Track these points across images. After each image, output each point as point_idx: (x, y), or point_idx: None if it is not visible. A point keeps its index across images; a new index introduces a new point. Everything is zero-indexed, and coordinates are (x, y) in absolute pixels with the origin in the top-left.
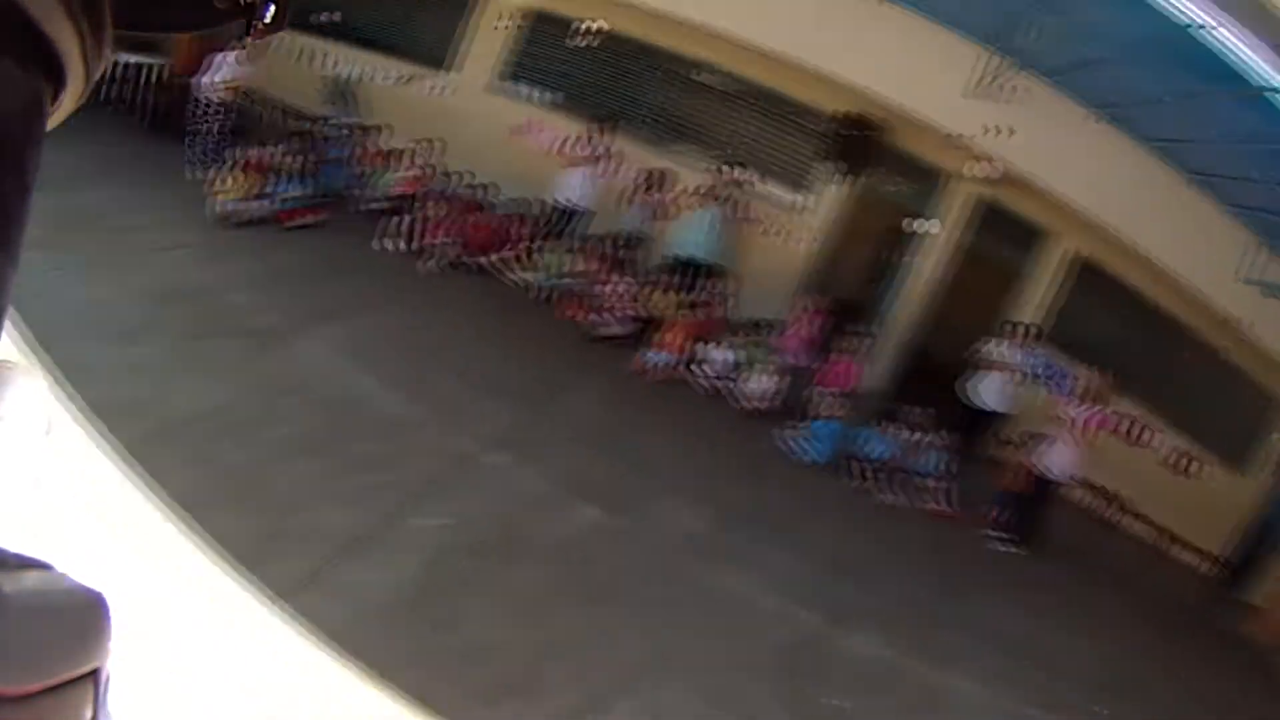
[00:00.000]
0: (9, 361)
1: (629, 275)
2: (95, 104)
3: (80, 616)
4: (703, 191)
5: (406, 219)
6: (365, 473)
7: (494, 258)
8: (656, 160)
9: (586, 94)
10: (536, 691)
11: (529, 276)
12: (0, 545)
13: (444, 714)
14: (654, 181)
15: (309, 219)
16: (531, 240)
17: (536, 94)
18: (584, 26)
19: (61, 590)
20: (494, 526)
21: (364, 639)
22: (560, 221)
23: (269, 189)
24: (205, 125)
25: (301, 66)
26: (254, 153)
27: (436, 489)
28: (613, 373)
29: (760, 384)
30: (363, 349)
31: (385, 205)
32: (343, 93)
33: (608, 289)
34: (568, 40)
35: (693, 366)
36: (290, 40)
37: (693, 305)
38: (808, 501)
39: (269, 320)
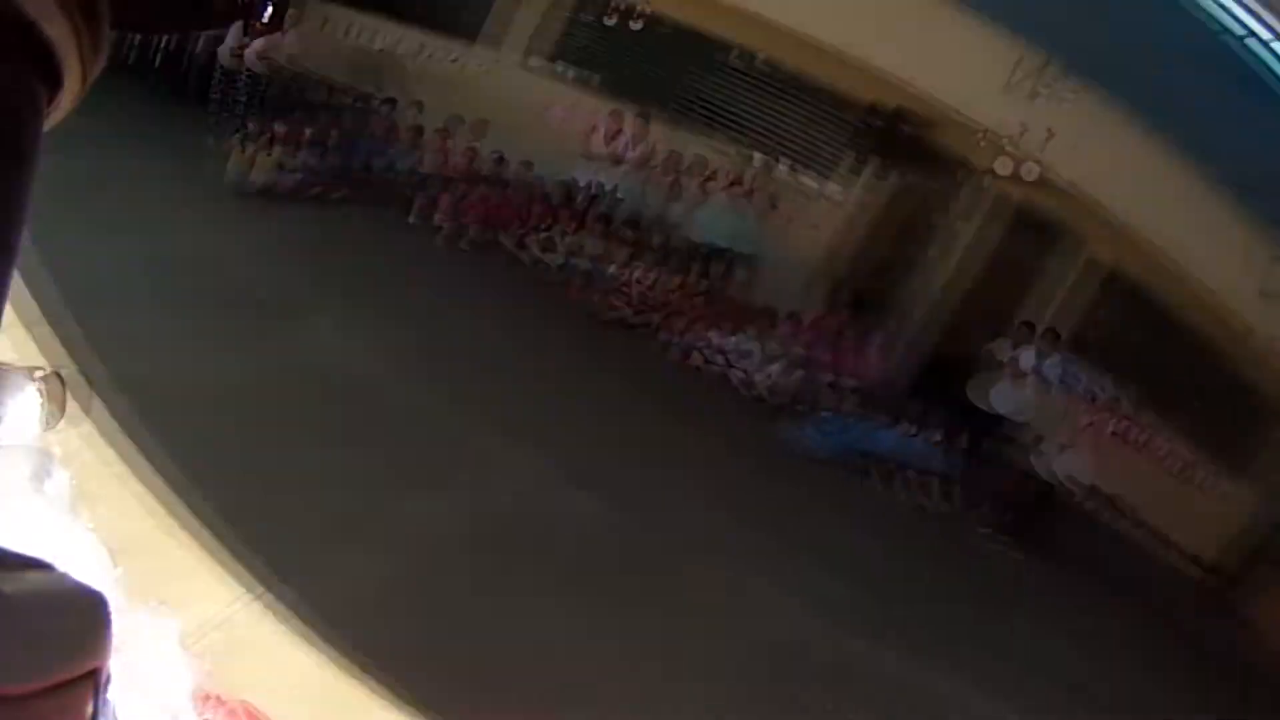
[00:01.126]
0: (7, 363)
1: (648, 259)
2: (117, 68)
3: (81, 616)
4: (732, 179)
5: (430, 196)
6: (367, 455)
7: (515, 237)
8: (689, 144)
9: (625, 76)
10: (536, 687)
11: (547, 257)
12: (0, 545)
13: (438, 711)
14: (684, 166)
15: (331, 193)
16: (554, 221)
17: (573, 73)
18: (628, 6)
19: (62, 590)
20: (498, 515)
21: (358, 629)
22: (583, 202)
23: (291, 160)
24: (230, 93)
25: (331, 36)
26: (278, 123)
27: (440, 475)
28: (626, 358)
29: (772, 374)
30: (375, 328)
31: (409, 181)
32: (372, 65)
33: (625, 272)
34: (608, 19)
35: (707, 354)
36: (320, 9)
37: (709, 292)
38: (813, 495)
39: (283, 294)
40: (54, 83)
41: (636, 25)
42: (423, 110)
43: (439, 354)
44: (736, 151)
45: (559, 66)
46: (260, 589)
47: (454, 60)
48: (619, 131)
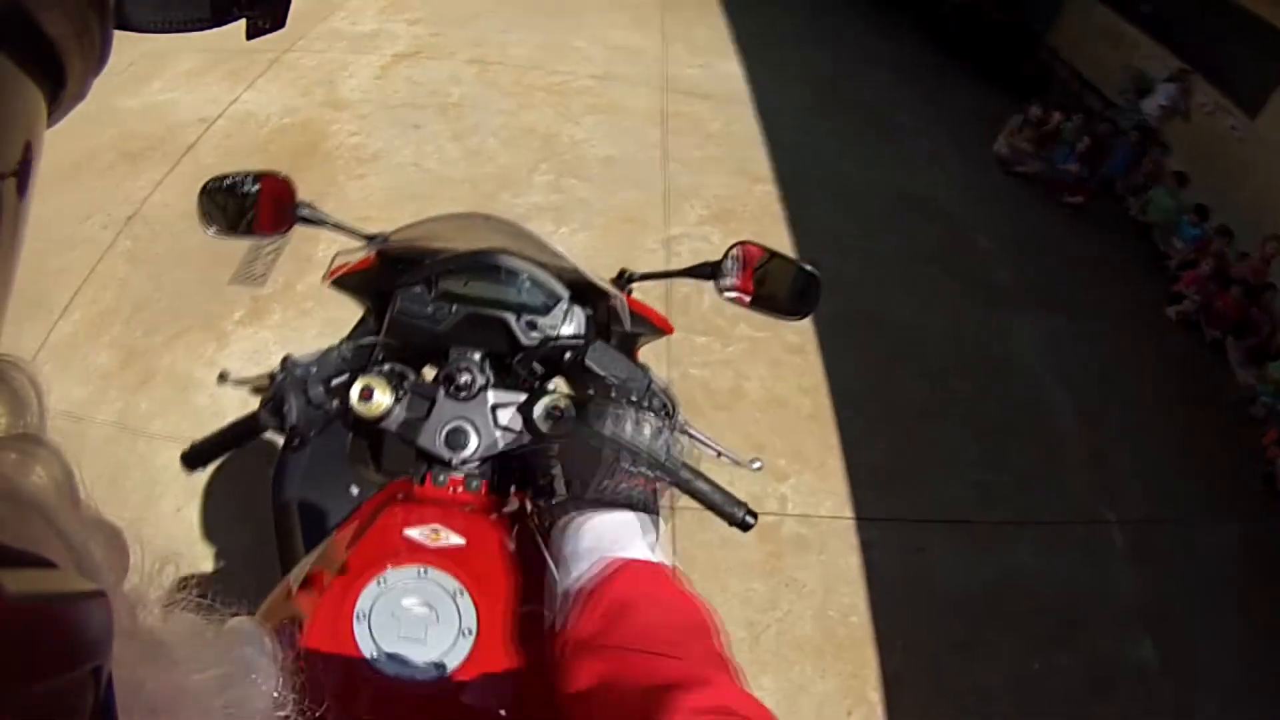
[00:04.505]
0: (9, 356)
1: None
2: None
3: (82, 614)
4: None
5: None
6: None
7: (1232, 340)
8: None
9: None
10: None
11: (1248, 378)
12: (1, 542)
13: None
14: None
15: (1076, 198)
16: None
17: None
18: None
19: (63, 588)
20: None
21: None
22: None
23: (1045, 152)
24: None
25: (1107, 47)
26: (1037, 110)
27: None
28: None
29: None
30: (1068, 355)
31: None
32: (1141, 89)
33: None
34: None
35: None
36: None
37: None
38: None
39: (1002, 278)
40: (56, 82)
41: None
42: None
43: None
44: None
45: None
46: None
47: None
48: None
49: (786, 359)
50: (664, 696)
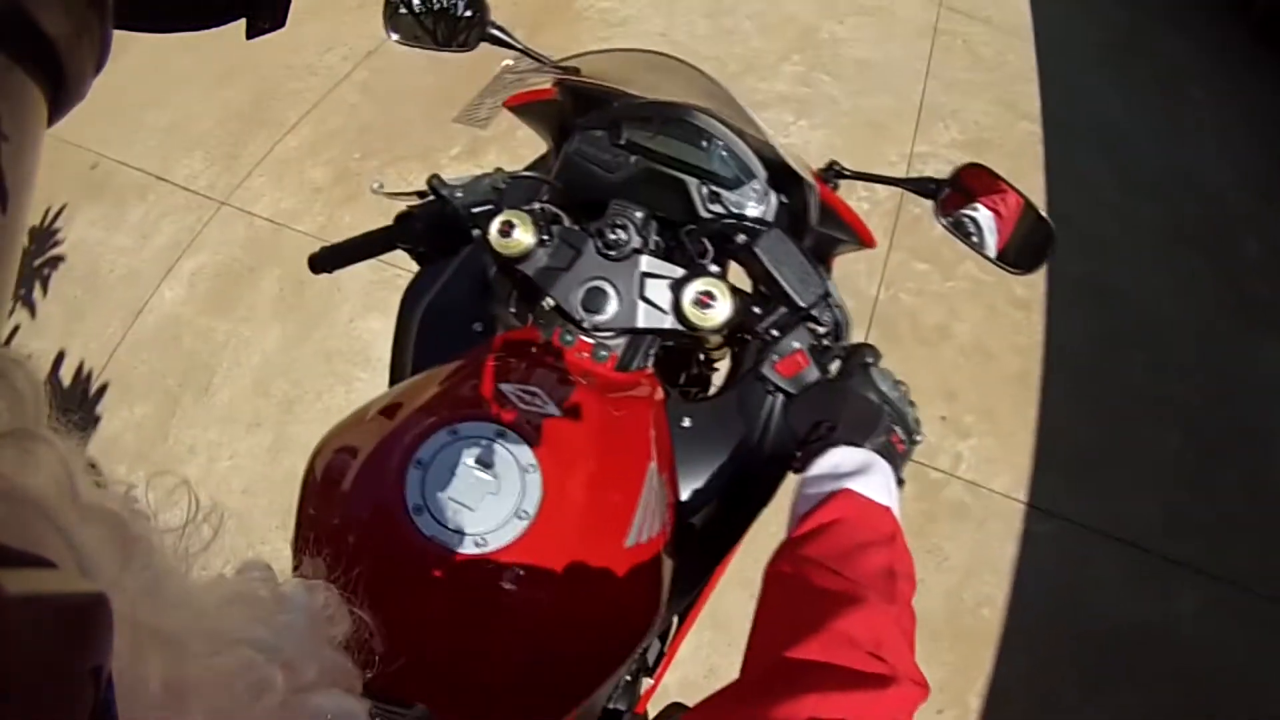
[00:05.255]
0: (8, 351)
1: None
2: None
3: (82, 614)
4: None
5: None
6: None
7: None
8: None
9: None
10: None
11: None
12: (1, 542)
13: None
14: None
15: None
16: None
17: None
18: None
19: (63, 588)
20: None
21: None
22: None
23: None
24: None
25: None
26: None
27: None
28: None
29: None
30: None
31: None
32: None
33: None
34: None
35: None
36: None
37: None
38: None
39: (1264, 292)
40: (56, 82)
41: None
42: None
43: None
44: None
45: None
46: None
47: None
48: None
49: (1007, 311)
50: (827, 608)
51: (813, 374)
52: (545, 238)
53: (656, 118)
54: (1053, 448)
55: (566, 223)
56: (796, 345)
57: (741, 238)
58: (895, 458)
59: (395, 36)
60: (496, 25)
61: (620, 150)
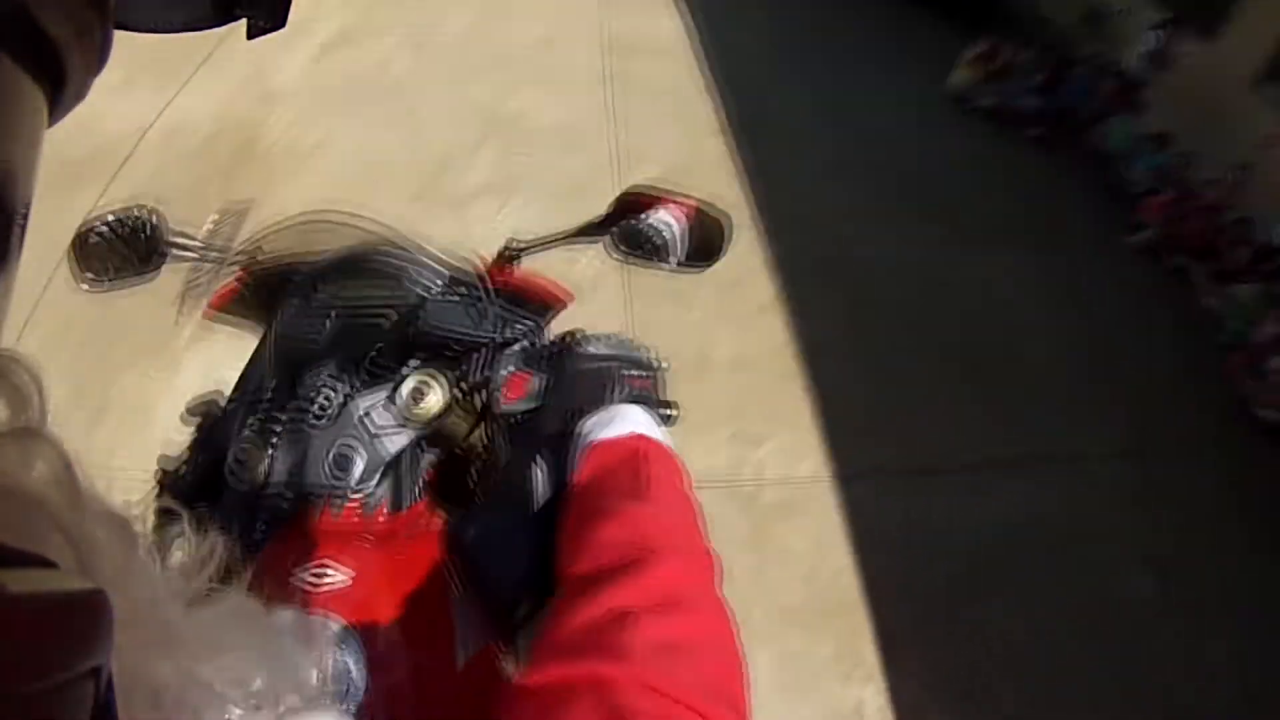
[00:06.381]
0: (9, 351)
1: None
2: None
3: (81, 614)
4: None
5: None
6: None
7: (1196, 265)
8: None
9: None
10: None
11: (1213, 303)
12: (1, 542)
13: None
14: None
15: (1037, 130)
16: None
17: None
18: None
19: (63, 588)
20: None
21: None
22: None
23: (999, 85)
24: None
25: None
26: (987, 44)
27: None
28: None
29: None
30: (1035, 289)
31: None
32: (1096, 18)
33: None
34: None
35: None
36: None
37: None
38: None
39: (965, 217)
40: (56, 82)
41: None
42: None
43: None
44: None
45: None
46: None
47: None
48: None
49: (753, 319)
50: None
51: (538, 381)
52: (273, 445)
53: (334, 270)
54: (838, 417)
55: (283, 419)
56: (508, 370)
57: (414, 326)
58: (647, 396)
59: (88, 278)
60: (174, 231)
61: (317, 313)
